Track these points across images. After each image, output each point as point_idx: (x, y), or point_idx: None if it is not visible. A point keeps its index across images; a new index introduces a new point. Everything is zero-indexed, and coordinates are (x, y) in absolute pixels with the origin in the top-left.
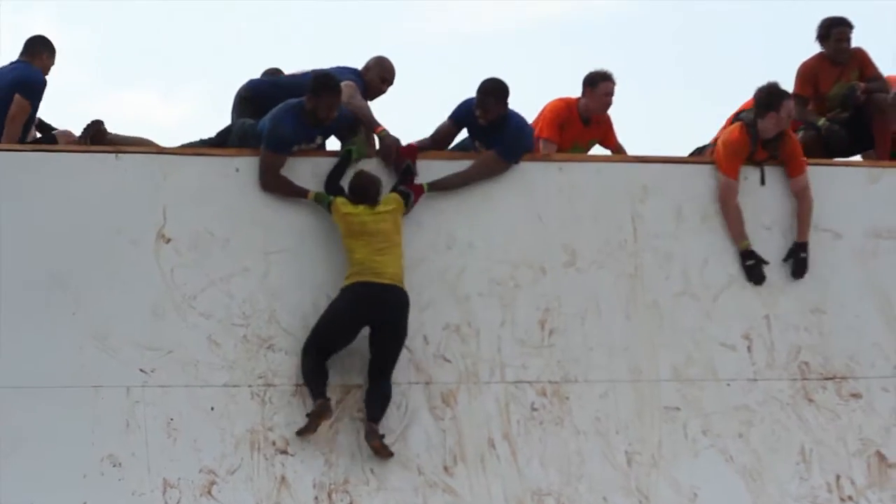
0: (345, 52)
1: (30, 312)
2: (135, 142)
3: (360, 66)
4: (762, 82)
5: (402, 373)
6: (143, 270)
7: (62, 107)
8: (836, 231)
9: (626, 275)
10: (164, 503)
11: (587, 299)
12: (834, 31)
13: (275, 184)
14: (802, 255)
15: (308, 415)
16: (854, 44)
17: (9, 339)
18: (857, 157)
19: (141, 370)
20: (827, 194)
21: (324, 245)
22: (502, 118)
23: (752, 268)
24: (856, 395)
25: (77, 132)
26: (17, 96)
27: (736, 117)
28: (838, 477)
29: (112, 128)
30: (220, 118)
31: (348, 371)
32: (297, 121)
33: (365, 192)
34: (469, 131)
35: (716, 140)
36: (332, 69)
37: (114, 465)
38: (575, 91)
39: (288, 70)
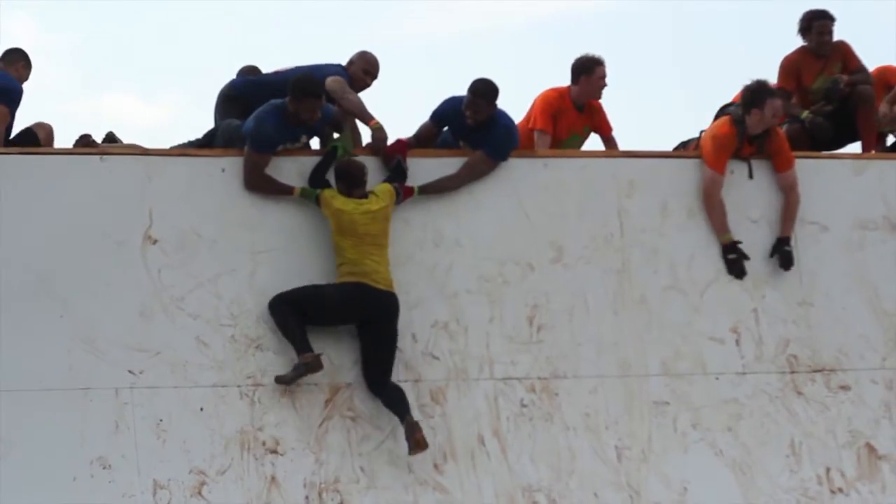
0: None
1: (17, 315)
2: (124, 148)
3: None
4: (749, 76)
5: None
6: (131, 272)
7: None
8: (823, 224)
9: (613, 270)
10: None
11: (575, 295)
12: (815, 23)
13: (259, 183)
14: (787, 248)
15: (296, 367)
16: (840, 37)
17: None
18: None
19: (129, 372)
20: (812, 187)
21: (311, 244)
22: (489, 117)
23: (734, 261)
24: (845, 388)
25: (58, 134)
26: None
27: (723, 110)
28: (828, 469)
29: (94, 130)
30: (200, 120)
31: (338, 369)
32: (280, 120)
33: (353, 177)
34: (452, 131)
35: (701, 133)
36: (317, 65)
37: (103, 467)
38: None
39: (265, 69)
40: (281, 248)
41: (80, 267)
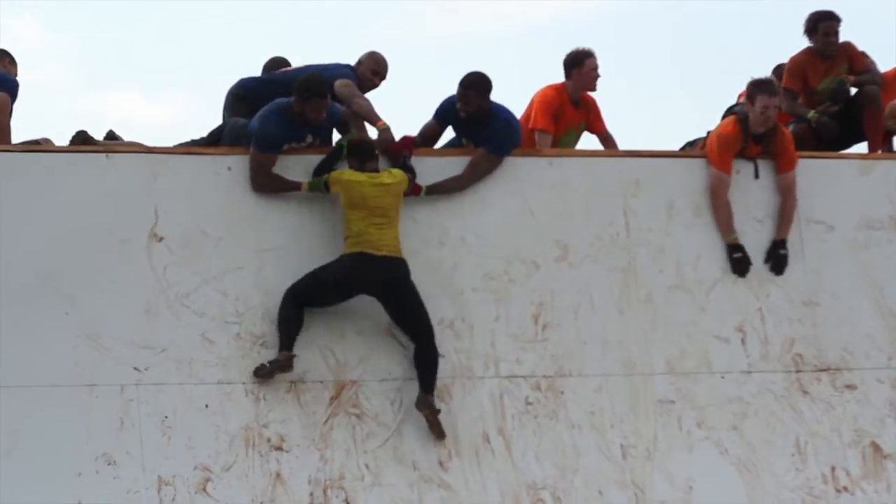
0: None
1: (23, 312)
2: (127, 145)
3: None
4: (752, 74)
5: (396, 368)
6: (136, 269)
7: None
8: (829, 223)
9: (618, 269)
10: (160, 501)
11: (580, 294)
12: (821, 24)
13: (266, 183)
14: (782, 251)
15: (270, 363)
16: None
17: (2, 340)
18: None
19: (135, 368)
20: (819, 187)
21: (317, 243)
22: (488, 113)
23: (739, 261)
24: (850, 387)
25: (58, 134)
26: None
27: (730, 110)
28: (833, 468)
29: (96, 129)
30: (203, 119)
31: (343, 366)
32: (284, 120)
33: (366, 150)
34: (454, 128)
35: (709, 133)
36: (327, 65)
37: (108, 464)
38: None
39: (295, 63)
40: (286, 246)
41: (85, 264)
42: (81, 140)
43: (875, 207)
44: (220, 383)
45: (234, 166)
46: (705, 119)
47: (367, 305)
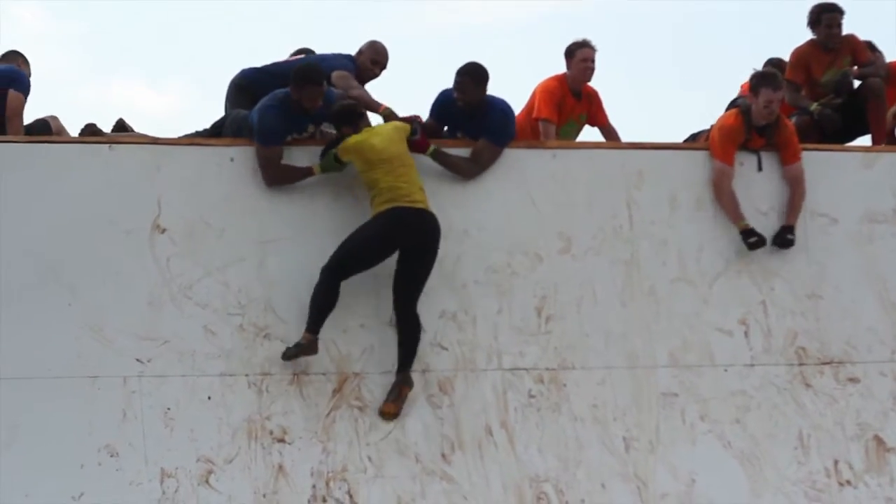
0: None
1: (26, 304)
2: (133, 137)
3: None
4: (758, 67)
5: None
6: (139, 261)
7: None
8: (832, 216)
9: (621, 261)
10: (162, 493)
11: (583, 286)
12: (825, 16)
13: (277, 175)
14: (790, 236)
15: (296, 345)
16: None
17: (5, 331)
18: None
19: (137, 360)
20: (822, 179)
21: (319, 234)
22: (484, 104)
23: (756, 243)
24: (853, 380)
25: (68, 122)
26: (10, 91)
27: (733, 103)
28: (836, 461)
29: (102, 118)
30: (207, 109)
31: (346, 358)
32: (283, 111)
33: (352, 111)
34: (450, 124)
35: (711, 126)
36: (327, 55)
37: (111, 455)
38: None
39: (273, 58)
40: (289, 238)
41: (88, 255)
42: (90, 133)
43: (879, 200)
44: (223, 375)
45: (236, 157)
46: (709, 111)
47: (370, 298)
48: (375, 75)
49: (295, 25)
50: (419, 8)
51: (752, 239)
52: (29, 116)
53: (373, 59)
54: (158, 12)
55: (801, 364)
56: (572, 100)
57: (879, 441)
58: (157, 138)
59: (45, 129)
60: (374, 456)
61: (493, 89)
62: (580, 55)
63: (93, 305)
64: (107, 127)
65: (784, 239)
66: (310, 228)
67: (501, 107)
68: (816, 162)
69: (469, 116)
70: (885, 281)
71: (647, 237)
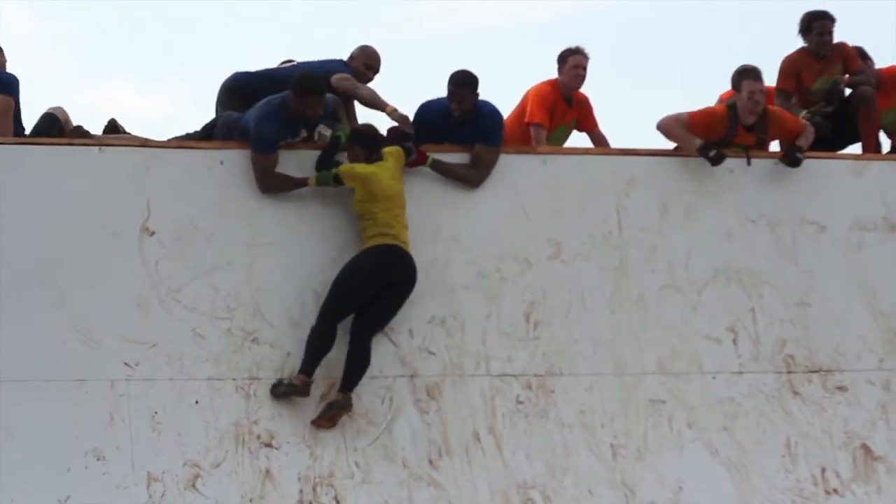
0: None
1: (13, 306)
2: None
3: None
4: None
5: (387, 366)
6: (127, 263)
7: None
8: (821, 224)
9: (610, 268)
10: (149, 497)
11: (572, 292)
12: (816, 24)
13: (273, 183)
14: (798, 155)
15: (287, 385)
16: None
17: None
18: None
19: (125, 363)
20: (812, 187)
21: (309, 238)
22: (473, 108)
23: (716, 156)
24: (841, 388)
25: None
26: None
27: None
28: (823, 470)
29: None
30: (197, 113)
31: (334, 365)
32: (279, 118)
33: (375, 139)
34: (435, 134)
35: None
36: (320, 62)
37: (98, 459)
38: None
39: (265, 63)
40: (278, 242)
41: (77, 258)
42: (78, 135)
43: (868, 208)
44: (211, 379)
45: (226, 160)
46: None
47: None
48: (369, 79)
49: (289, 27)
50: (415, 9)
51: (711, 153)
52: (29, 117)
53: (366, 64)
54: (146, 13)
55: (789, 372)
56: (563, 105)
57: (867, 450)
58: (148, 140)
59: (54, 123)
60: (362, 461)
61: (488, 93)
62: (572, 62)
63: (81, 308)
64: (97, 129)
65: (793, 157)
66: (299, 233)
67: (490, 108)
68: (806, 169)
69: (461, 123)
70: (874, 289)
71: (637, 244)
